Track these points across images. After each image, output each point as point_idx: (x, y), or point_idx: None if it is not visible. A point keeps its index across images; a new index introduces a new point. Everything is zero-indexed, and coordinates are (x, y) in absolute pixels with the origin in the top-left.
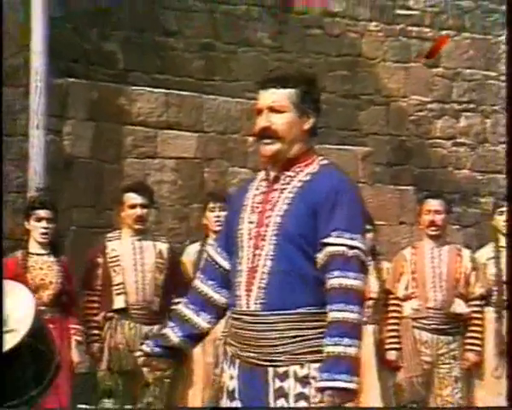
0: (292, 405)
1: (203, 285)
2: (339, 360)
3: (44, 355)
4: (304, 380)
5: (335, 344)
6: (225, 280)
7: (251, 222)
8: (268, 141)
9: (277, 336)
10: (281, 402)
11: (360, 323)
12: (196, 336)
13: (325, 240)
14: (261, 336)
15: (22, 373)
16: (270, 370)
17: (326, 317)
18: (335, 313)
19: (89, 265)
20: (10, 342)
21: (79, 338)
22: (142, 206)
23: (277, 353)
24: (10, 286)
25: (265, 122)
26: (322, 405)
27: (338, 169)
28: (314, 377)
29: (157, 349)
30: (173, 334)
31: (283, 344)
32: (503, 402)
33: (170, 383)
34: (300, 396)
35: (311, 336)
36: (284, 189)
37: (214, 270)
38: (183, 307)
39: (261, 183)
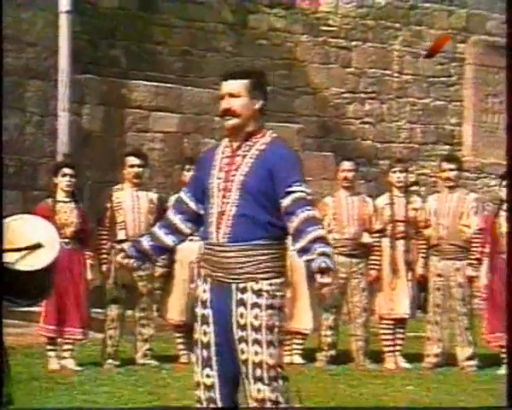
0: (249, 311)
1: (174, 217)
2: (329, 256)
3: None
4: (258, 293)
5: (325, 248)
6: (190, 216)
7: (219, 178)
8: (228, 118)
9: (239, 260)
10: (241, 309)
11: None
12: (161, 250)
13: (290, 189)
14: (227, 261)
15: (48, 278)
16: (233, 285)
17: (273, 248)
18: (319, 232)
19: (101, 209)
20: (50, 255)
21: (93, 262)
22: (139, 166)
23: (238, 273)
24: (40, 219)
25: (226, 105)
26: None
27: (283, 141)
28: (267, 291)
29: (131, 249)
30: (146, 242)
31: (243, 266)
32: (394, 306)
33: (159, 294)
34: (255, 305)
35: (262, 260)
36: (245, 155)
37: (183, 208)
38: (157, 228)
39: (226, 149)
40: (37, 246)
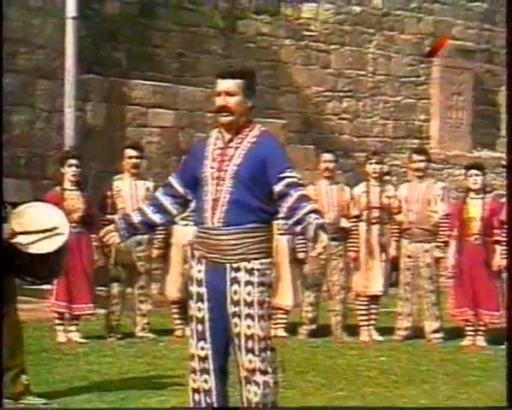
0: (242, 288)
1: (163, 198)
2: (322, 226)
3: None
4: (250, 271)
5: (318, 219)
6: (178, 199)
7: (212, 168)
8: (225, 114)
9: (232, 242)
10: (235, 287)
11: None
12: (149, 226)
13: (282, 175)
14: (222, 243)
15: (59, 260)
16: (228, 265)
17: (263, 231)
18: (313, 206)
19: (103, 197)
20: (60, 240)
21: (97, 244)
22: (137, 157)
23: (232, 254)
24: (50, 206)
25: (223, 102)
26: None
27: (270, 134)
28: (258, 269)
29: (121, 221)
30: (135, 217)
31: (236, 248)
32: (369, 284)
33: (156, 274)
34: (248, 283)
35: (254, 242)
36: (238, 147)
37: (172, 191)
38: (146, 206)
39: (217, 141)
40: (53, 229)
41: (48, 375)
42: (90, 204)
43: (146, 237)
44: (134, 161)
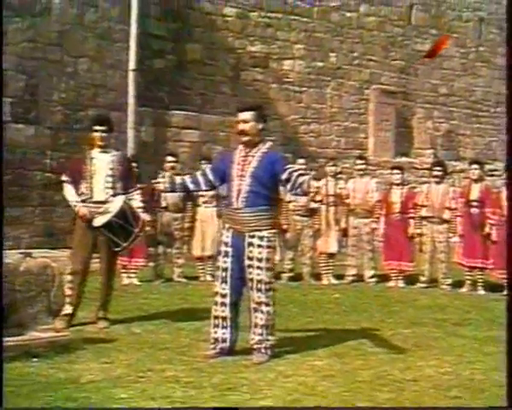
0: (255, 249)
1: (199, 177)
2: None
3: (127, 228)
4: (261, 238)
5: (304, 175)
6: (207, 181)
7: (238, 169)
8: (244, 136)
9: (250, 218)
10: (250, 248)
11: None
12: (184, 188)
13: (286, 167)
14: (243, 219)
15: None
16: (246, 234)
17: (270, 211)
18: (306, 176)
19: (152, 188)
20: (105, 218)
21: (147, 219)
22: (174, 162)
23: (249, 226)
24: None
25: (242, 127)
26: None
27: (275, 147)
28: (267, 237)
29: (169, 179)
30: (178, 179)
31: (252, 222)
32: (328, 246)
33: (187, 240)
34: (259, 245)
35: (264, 218)
36: (254, 156)
37: (205, 176)
38: (187, 177)
39: (241, 151)
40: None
41: (116, 307)
42: (145, 193)
43: (180, 215)
44: (172, 164)
